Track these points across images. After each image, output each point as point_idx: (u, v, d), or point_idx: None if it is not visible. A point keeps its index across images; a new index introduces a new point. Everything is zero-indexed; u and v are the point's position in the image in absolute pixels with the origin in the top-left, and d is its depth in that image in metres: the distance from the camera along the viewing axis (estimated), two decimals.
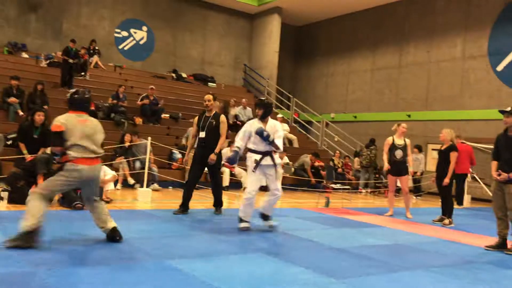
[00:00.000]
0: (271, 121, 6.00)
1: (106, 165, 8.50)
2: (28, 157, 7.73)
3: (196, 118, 7.25)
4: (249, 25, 19.58)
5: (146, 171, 8.49)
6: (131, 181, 9.92)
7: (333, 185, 10.90)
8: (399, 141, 8.49)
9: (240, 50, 19.52)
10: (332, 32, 19.23)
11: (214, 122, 6.95)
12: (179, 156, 11.26)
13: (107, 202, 7.36)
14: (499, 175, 5.64)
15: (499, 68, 13.71)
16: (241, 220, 5.90)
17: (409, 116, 15.51)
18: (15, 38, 14.78)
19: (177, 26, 17.93)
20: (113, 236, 4.62)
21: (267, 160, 5.85)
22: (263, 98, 6.35)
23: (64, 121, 4.44)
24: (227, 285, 3.49)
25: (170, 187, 10.53)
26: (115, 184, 9.11)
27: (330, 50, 19.25)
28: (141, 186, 8.73)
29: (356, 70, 18.18)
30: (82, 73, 13.99)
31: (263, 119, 5.95)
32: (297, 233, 5.96)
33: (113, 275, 3.55)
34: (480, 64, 14.20)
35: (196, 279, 3.61)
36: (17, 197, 6.53)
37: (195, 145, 7.15)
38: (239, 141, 5.94)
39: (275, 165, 5.91)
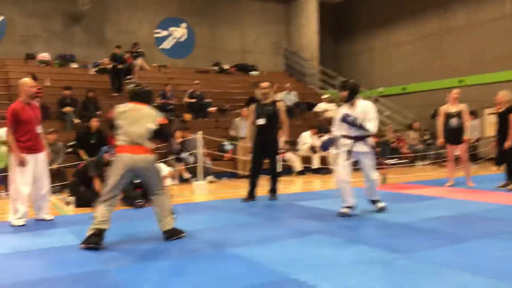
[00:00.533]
0: (361, 103, 5.61)
1: (161, 162, 8.76)
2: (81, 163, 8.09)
3: (253, 106, 7.33)
4: (285, 8, 19.36)
5: (200, 164, 8.66)
6: (186, 175, 10.16)
7: (388, 161, 10.69)
8: (452, 109, 8.19)
9: (279, 35, 19.37)
10: (370, 6, 18.68)
11: (272, 110, 7.04)
12: (229, 147, 11.41)
13: None
14: None
15: None
16: (342, 206, 5.68)
17: (460, 81, 14.88)
18: (63, 50, 15.40)
19: (214, 19, 18.03)
20: (166, 237, 4.53)
21: (359, 146, 5.57)
22: (347, 80, 5.87)
23: (117, 108, 4.57)
24: (291, 268, 3.52)
25: (225, 178, 10.69)
26: (173, 180, 9.36)
27: (370, 24, 18.73)
28: (197, 180, 8.92)
29: (399, 41, 17.60)
30: (129, 76, 14.38)
31: (350, 101, 5.60)
32: (356, 211, 5.89)
33: (179, 267, 3.67)
34: None
35: (259, 264, 3.66)
36: (82, 202, 6.87)
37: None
38: (334, 130, 5.78)
39: (368, 151, 5.63)
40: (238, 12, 18.52)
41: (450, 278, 3.21)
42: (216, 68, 17.38)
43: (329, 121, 12.02)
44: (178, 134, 10.39)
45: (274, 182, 7.32)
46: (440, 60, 16.05)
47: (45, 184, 5.75)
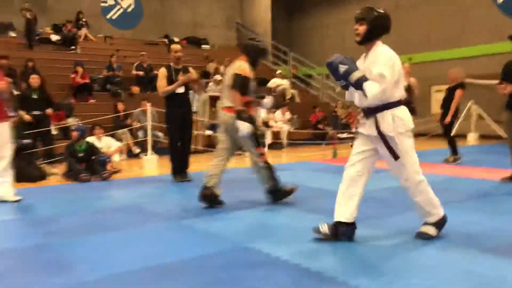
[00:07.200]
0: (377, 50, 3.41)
1: (108, 135, 8.40)
2: None
3: (163, 70, 6.33)
4: None
5: (149, 138, 8.36)
6: (135, 150, 9.81)
7: (338, 135, 10.78)
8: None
9: (232, 9, 19.00)
10: None
11: None
12: None
13: (115, 172, 7.27)
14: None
15: (500, 0, 13.30)
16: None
17: (410, 59, 15.16)
18: (1, 18, 14.37)
19: None
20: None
21: (367, 126, 3.45)
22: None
23: None
24: (244, 237, 3.42)
25: None
26: (120, 155, 9.01)
27: (323, 0, 18.70)
28: (146, 154, 8.62)
29: (352, 18, 17.63)
30: (72, 47, 13.67)
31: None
32: (309, 183, 5.85)
33: (126, 239, 3.48)
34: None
35: (212, 235, 3.55)
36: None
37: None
38: None
39: (382, 135, 3.34)
40: None
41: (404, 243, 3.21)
42: (165, 40, 16.84)
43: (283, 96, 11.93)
44: (119, 106, 10.08)
45: (187, 159, 6.42)
46: (393, 37, 16.24)
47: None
